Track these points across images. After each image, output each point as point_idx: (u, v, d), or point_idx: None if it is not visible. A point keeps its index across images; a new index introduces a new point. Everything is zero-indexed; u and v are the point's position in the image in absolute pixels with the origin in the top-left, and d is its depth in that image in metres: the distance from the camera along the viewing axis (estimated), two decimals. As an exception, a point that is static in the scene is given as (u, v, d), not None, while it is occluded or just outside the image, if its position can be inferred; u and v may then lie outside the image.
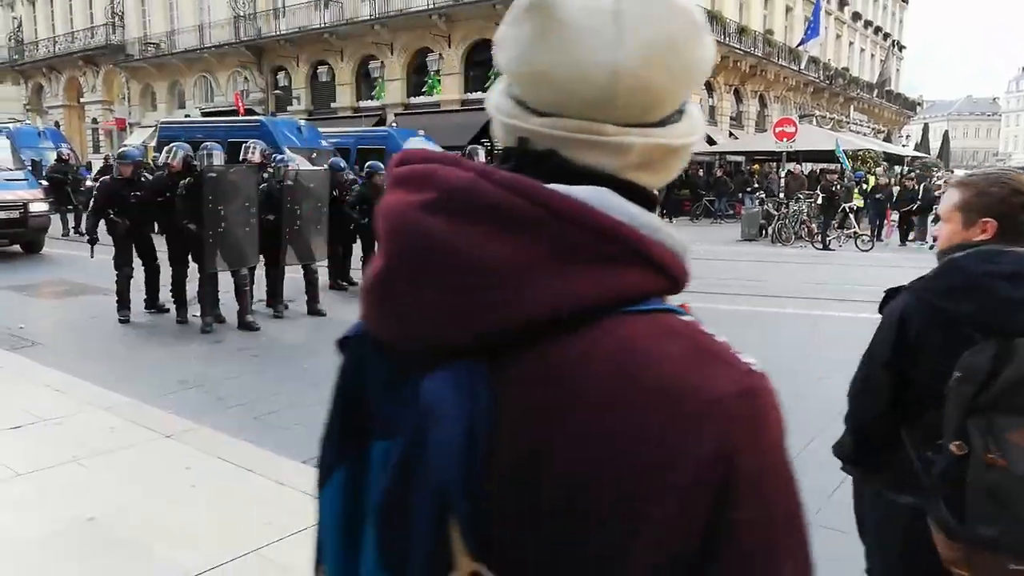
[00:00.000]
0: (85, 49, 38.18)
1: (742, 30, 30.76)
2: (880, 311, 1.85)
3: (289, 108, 29.50)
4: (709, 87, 31.66)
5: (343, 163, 9.38)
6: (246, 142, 8.56)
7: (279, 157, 7.85)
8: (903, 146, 46.59)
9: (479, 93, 24.44)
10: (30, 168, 12.94)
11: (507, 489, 0.57)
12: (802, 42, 34.79)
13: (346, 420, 0.68)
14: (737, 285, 10.72)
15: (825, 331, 7.67)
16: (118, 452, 4.21)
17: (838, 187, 16.69)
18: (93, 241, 7.86)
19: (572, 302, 0.57)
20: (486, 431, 0.57)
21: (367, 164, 9.27)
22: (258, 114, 29.20)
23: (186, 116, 29.27)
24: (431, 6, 23.69)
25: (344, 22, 26.28)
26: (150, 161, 16.05)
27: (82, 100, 40.34)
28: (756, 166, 32.38)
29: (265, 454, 4.19)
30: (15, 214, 11.62)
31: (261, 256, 7.91)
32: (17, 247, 12.49)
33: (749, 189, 23.19)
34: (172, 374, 5.79)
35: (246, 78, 31.22)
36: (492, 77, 24.11)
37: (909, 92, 58.22)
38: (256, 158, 7.89)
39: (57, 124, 40.87)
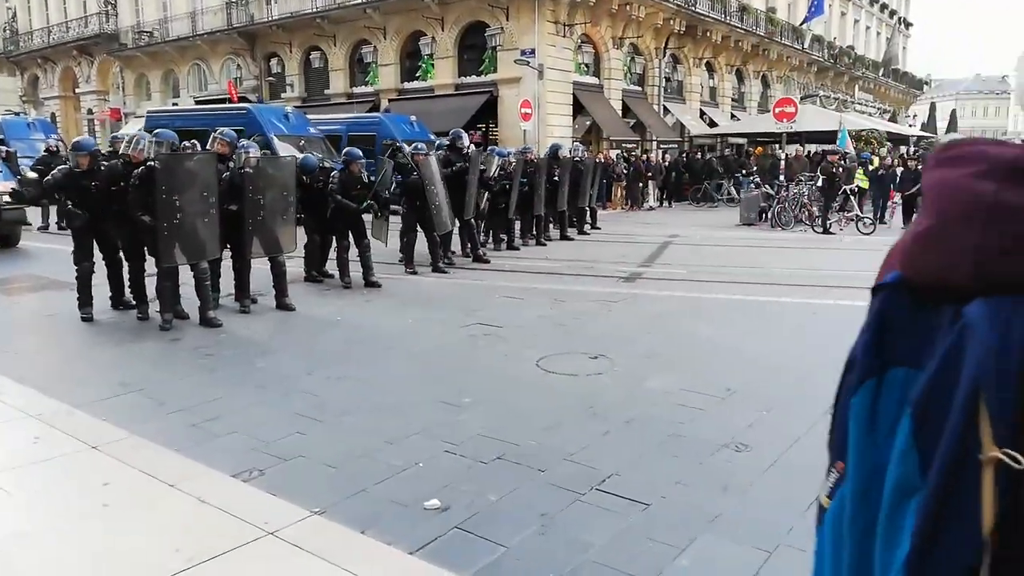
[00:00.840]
0: (79, 39, 37.76)
1: (743, 9, 30.11)
2: None
3: (283, 95, 29.06)
4: (710, 67, 31.08)
5: (315, 160, 9.03)
6: (215, 130, 8.18)
7: (242, 144, 7.46)
8: (910, 126, 45.80)
9: (473, 77, 23.98)
10: (4, 159, 12.57)
11: None
12: (805, 20, 34.07)
13: (876, 347, 0.83)
14: (731, 271, 10.31)
15: (820, 320, 7.28)
16: (35, 466, 3.87)
17: (838, 169, 16.20)
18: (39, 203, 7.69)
19: None
20: (1019, 344, 0.68)
21: (344, 151, 8.90)
22: (251, 102, 28.84)
23: (174, 104, 28.94)
24: (423, -12, 23.19)
25: (336, 6, 25.78)
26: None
27: (77, 91, 40.02)
28: (759, 148, 31.93)
29: (193, 467, 3.85)
30: (-14, 207, 11.30)
31: (228, 248, 7.60)
32: (-7, 241, 12.19)
33: (746, 172, 22.72)
34: (117, 376, 5.46)
35: (239, 65, 30.78)
36: (486, 60, 23.63)
37: (917, 71, 57.20)
38: (223, 147, 7.51)
39: (53, 115, 40.61)
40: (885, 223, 17.15)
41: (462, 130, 11.55)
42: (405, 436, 4.31)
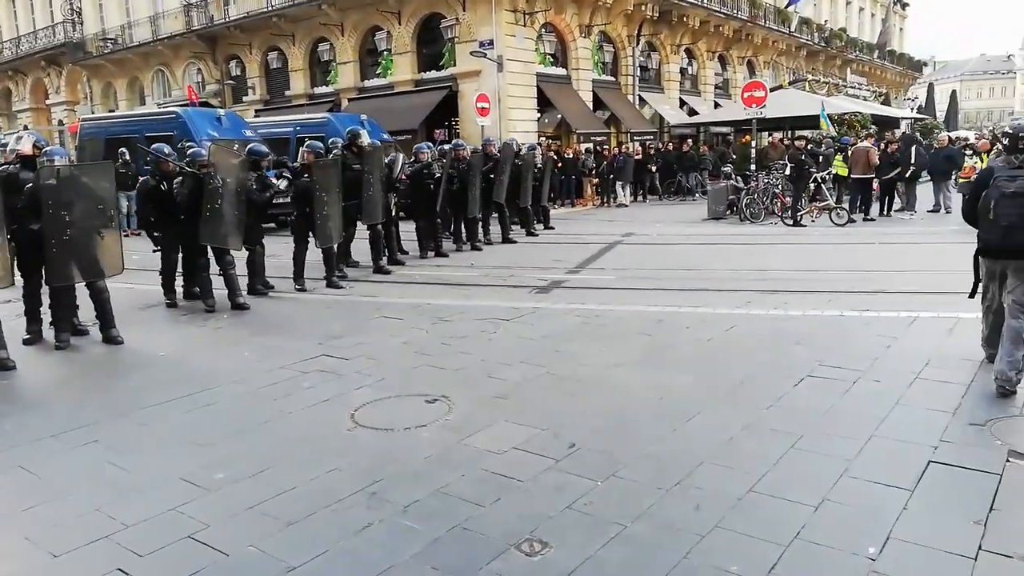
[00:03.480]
0: (46, 49, 36.83)
1: (722, -8, 28.77)
2: None
3: (244, 99, 28.03)
4: (690, 54, 29.78)
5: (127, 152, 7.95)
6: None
7: (48, 150, 6.34)
8: (911, 109, 44.23)
9: (433, 72, 22.82)
10: None
11: None
12: (791, 2, 32.73)
13: None
14: (667, 275, 9.11)
15: (734, 336, 6.08)
16: None
17: (806, 155, 14.94)
18: None
19: None
20: None
21: (152, 146, 7.79)
22: (213, 107, 27.80)
23: (111, 111, 28.13)
24: (376, -20, 22.04)
25: (291, 3, 24.66)
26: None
27: (48, 102, 39.06)
28: (746, 137, 30.67)
29: None
30: None
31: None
32: None
33: (725, 162, 21.50)
34: None
35: (199, 70, 29.73)
36: (446, 54, 22.48)
37: (918, 53, 55.56)
38: (26, 149, 6.39)
39: (26, 128, 39.75)
40: (869, 215, 15.55)
41: (360, 128, 10.38)
42: (85, 542, 3.15)
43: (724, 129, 30.23)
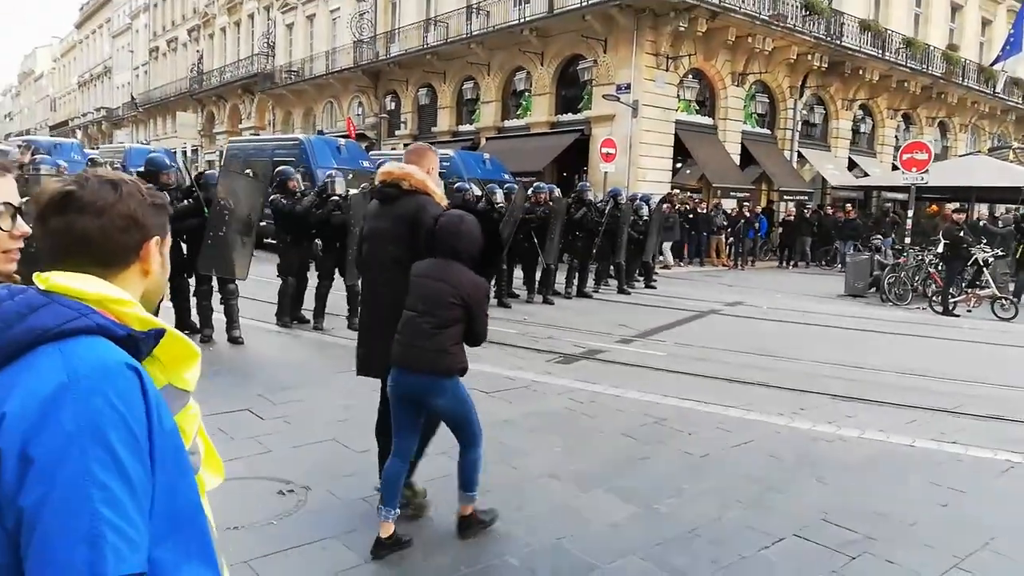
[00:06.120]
0: (242, 78, 40.54)
1: (909, 43, 25.85)
2: None
3: (396, 133, 28.90)
4: (867, 109, 26.98)
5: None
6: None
7: (37, 159, 6.19)
8: None
9: (569, 115, 22.15)
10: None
11: None
12: (997, 60, 28.86)
13: None
14: (727, 360, 7.57)
15: (743, 454, 4.60)
16: None
17: (966, 232, 12.47)
18: None
19: None
20: None
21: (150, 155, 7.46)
22: (370, 139, 28.96)
23: (254, 134, 29.86)
24: (522, 20, 21.83)
25: (445, 42, 25.16)
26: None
27: (240, 126, 42.87)
28: (933, 207, 27.45)
29: None
30: None
31: None
32: None
33: (879, 232, 18.98)
34: None
35: (360, 103, 31.14)
36: (584, 97, 21.78)
37: None
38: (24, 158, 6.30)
39: (221, 151, 43.92)
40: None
41: (290, 168, 9.03)
42: None
43: (900, 196, 27.05)
